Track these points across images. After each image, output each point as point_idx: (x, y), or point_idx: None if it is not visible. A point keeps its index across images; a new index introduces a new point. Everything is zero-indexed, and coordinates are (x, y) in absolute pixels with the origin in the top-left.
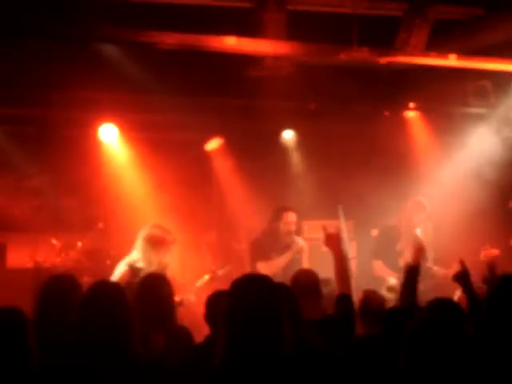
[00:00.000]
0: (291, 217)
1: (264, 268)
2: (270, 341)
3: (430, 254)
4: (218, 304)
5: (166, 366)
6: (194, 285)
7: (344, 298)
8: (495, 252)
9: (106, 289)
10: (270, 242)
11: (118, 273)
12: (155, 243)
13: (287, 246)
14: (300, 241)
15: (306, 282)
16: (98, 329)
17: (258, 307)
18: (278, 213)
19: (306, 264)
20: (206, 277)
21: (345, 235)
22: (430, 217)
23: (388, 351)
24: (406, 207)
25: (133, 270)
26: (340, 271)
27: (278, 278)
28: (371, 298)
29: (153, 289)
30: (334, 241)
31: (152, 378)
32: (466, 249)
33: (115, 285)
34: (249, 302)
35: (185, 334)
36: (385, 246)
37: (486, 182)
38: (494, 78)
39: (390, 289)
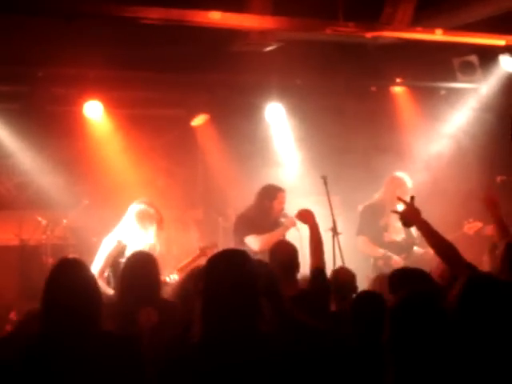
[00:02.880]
0: (284, 196)
1: (254, 242)
2: (246, 316)
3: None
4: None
5: (139, 342)
6: (180, 262)
7: (318, 272)
8: (479, 225)
9: (71, 266)
10: (260, 220)
11: (106, 248)
12: (146, 220)
13: (277, 224)
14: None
15: (283, 256)
16: (63, 306)
17: (233, 282)
18: (272, 192)
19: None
20: (196, 252)
21: (332, 209)
22: (411, 191)
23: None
24: (386, 183)
25: (121, 246)
26: (315, 244)
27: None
28: (340, 275)
29: (140, 265)
30: (307, 215)
31: (122, 354)
32: (452, 223)
33: (79, 261)
34: (225, 277)
35: (175, 308)
36: (368, 221)
37: (473, 156)
38: (481, 52)
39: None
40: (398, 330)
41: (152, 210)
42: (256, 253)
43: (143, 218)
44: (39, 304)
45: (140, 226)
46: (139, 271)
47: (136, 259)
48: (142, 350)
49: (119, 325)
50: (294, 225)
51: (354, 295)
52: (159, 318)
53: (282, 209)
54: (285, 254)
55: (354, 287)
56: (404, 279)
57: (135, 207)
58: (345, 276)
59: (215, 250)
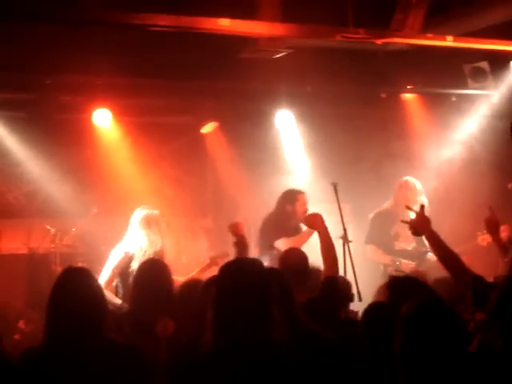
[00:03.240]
0: (306, 198)
1: (284, 245)
2: (258, 325)
3: None
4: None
5: (142, 355)
6: (190, 271)
7: (329, 279)
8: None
9: (77, 275)
10: (284, 224)
11: (114, 258)
12: (151, 225)
13: (299, 229)
14: None
15: (294, 263)
16: (66, 316)
17: (245, 291)
18: (292, 195)
19: None
20: (207, 261)
21: (342, 216)
22: (421, 193)
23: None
24: (398, 188)
25: (128, 256)
26: (326, 250)
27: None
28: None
29: (153, 274)
30: (315, 219)
31: (126, 363)
32: (463, 231)
33: (85, 270)
34: (237, 286)
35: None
36: (378, 230)
37: (484, 163)
38: (492, 59)
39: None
40: (410, 338)
41: (155, 213)
42: None
43: (148, 221)
44: (45, 312)
45: (145, 230)
46: (154, 280)
47: (150, 268)
48: (151, 360)
49: (134, 335)
50: (312, 233)
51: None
52: (176, 327)
53: (306, 211)
54: (295, 260)
55: (350, 296)
56: (401, 288)
57: (138, 214)
58: (340, 285)
59: (226, 260)
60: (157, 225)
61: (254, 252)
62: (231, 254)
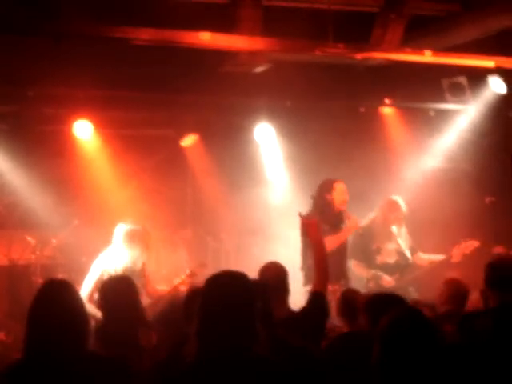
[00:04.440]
0: (343, 186)
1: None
2: (242, 338)
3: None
4: (195, 301)
5: (125, 367)
6: (170, 282)
7: (316, 295)
8: (475, 244)
9: (56, 287)
10: (324, 214)
11: (95, 271)
12: (134, 239)
13: (342, 219)
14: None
15: (272, 277)
16: (46, 329)
17: (230, 304)
18: (328, 184)
19: None
20: (184, 275)
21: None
22: (405, 215)
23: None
24: (381, 206)
25: (109, 269)
26: (319, 263)
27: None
28: (348, 297)
29: (119, 291)
30: (312, 229)
31: (108, 376)
32: (440, 244)
33: (66, 282)
34: (222, 298)
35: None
36: (359, 245)
37: (462, 177)
38: (470, 74)
39: None
40: (387, 351)
41: (139, 228)
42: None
43: (131, 237)
44: (25, 324)
45: (128, 245)
46: (119, 297)
47: (114, 285)
48: (139, 372)
49: (110, 346)
50: (356, 227)
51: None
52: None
53: (345, 199)
54: (274, 275)
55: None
56: (380, 305)
57: (122, 228)
58: (352, 299)
59: (204, 271)
60: (140, 241)
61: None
62: (209, 265)
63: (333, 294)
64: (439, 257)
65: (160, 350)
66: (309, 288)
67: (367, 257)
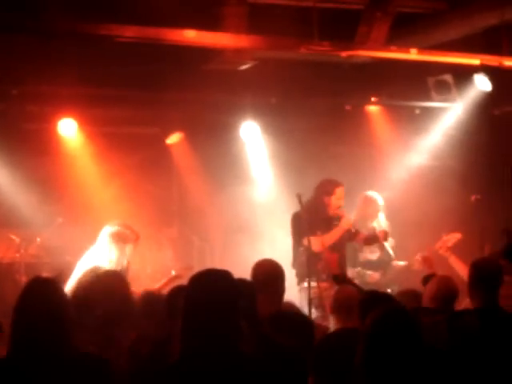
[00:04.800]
0: (342, 192)
1: (313, 242)
2: (225, 336)
3: (389, 244)
4: (178, 298)
5: (109, 365)
6: (155, 282)
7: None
8: (457, 236)
9: (41, 285)
10: (316, 215)
11: (81, 270)
12: (121, 241)
13: (334, 221)
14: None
15: (264, 273)
16: (31, 327)
17: (214, 303)
18: (329, 187)
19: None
20: (172, 273)
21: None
22: (382, 209)
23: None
24: (359, 202)
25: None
26: None
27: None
28: (342, 294)
29: (111, 286)
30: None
31: (92, 373)
32: (426, 242)
33: (52, 280)
34: (206, 297)
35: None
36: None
37: (447, 175)
38: (456, 72)
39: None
40: (371, 352)
41: (127, 231)
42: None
43: (118, 239)
44: (10, 323)
45: (115, 247)
46: (110, 292)
47: (106, 280)
48: (118, 369)
49: (95, 344)
50: (349, 225)
51: None
52: (135, 338)
53: (340, 205)
54: (265, 272)
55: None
56: (372, 303)
57: (109, 229)
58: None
59: (190, 273)
60: (127, 242)
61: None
62: (194, 264)
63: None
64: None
65: (140, 348)
66: (303, 286)
67: (350, 255)
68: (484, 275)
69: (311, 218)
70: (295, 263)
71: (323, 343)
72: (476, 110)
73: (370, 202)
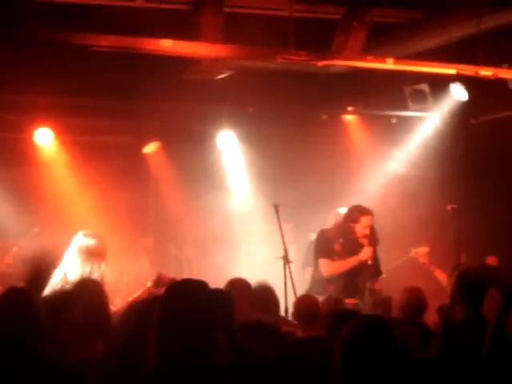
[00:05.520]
0: (368, 220)
1: (324, 266)
2: (201, 347)
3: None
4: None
5: (84, 375)
6: (131, 292)
7: None
8: (425, 249)
9: (16, 295)
10: (340, 240)
11: (54, 279)
12: (90, 254)
13: (356, 249)
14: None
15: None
16: (6, 336)
17: (190, 313)
18: (356, 214)
19: None
20: (148, 284)
21: (283, 237)
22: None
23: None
24: (332, 219)
25: (67, 277)
26: None
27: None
28: (303, 302)
29: (88, 294)
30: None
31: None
32: (402, 250)
33: (26, 291)
34: (181, 308)
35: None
36: (326, 246)
37: (424, 184)
38: (432, 81)
39: (371, 292)
40: (349, 361)
41: (94, 245)
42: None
43: (84, 253)
44: None
45: (81, 261)
46: (86, 300)
47: (82, 288)
48: (92, 380)
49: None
50: (368, 258)
51: None
52: (105, 348)
53: (366, 233)
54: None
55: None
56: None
57: (80, 240)
58: (308, 305)
59: (168, 282)
60: (97, 257)
61: None
62: (171, 273)
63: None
64: None
65: (114, 359)
66: None
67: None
68: (470, 286)
69: (334, 243)
70: (313, 276)
71: (288, 350)
72: (452, 120)
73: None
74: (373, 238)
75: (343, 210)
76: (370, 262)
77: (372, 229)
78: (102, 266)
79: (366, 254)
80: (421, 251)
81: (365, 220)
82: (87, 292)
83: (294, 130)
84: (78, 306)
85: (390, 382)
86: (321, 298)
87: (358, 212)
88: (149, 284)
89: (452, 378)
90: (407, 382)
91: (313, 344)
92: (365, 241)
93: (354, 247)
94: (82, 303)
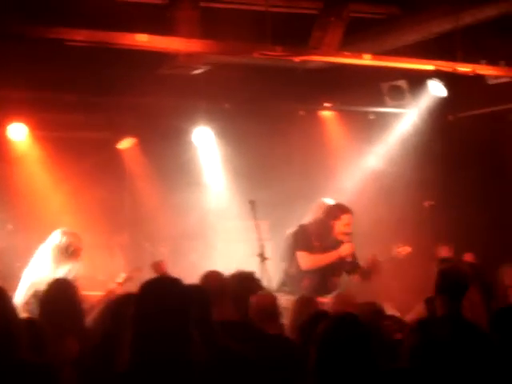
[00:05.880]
0: (349, 218)
1: (303, 260)
2: (177, 345)
3: None
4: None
5: (57, 373)
6: (106, 287)
7: None
8: (407, 249)
9: None
10: (319, 236)
11: (27, 278)
12: (67, 253)
13: (334, 246)
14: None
15: (213, 285)
16: None
17: (165, 311)
18: (335, 212)
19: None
20: (122, 276)
21: (259, 234)
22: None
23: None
24: (315, 209)
25: (43, 278)
26: None
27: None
28: (260, 300)
29: (60, 293)
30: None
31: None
32: (380, 247)
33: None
34: (156, 306)
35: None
36: (305, 240)
37: (402, 180)
38: (410, 77)
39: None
40: (323, 358)
41: (71, 243)
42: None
43: (61, 252)
44: None
45: (57, 259)
46: (59, 299)
47: (54, 287)
48: (65, 379)
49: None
50: (347, 255)
51: None
52: (80, 347)
53: (346, 232)
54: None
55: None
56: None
57: (56, 237)
58: (267, 302)
59: (140, 275)
60: (74, 257)
61: None
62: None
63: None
64: None
65: (88, 358)
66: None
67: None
68: (450, 283)
69: (313, 238)
70: (286, 271)
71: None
72: (430, 116)
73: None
74: (352, 236)
75: (328, 200)
76: (349, 259)
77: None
78: (77, 265)
79: (346, 249)
80: (402, 250)
81: (345, 218)
82: (60, 292)
83: (270, 126)
84: (51, 305)
85: (365, 380)
86: (292, 298)
87: (338, 210)
88: (123, 276)
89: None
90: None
91: (273, 342)
92: (345, 238)
93: (332, 244)
94: (55, 303)
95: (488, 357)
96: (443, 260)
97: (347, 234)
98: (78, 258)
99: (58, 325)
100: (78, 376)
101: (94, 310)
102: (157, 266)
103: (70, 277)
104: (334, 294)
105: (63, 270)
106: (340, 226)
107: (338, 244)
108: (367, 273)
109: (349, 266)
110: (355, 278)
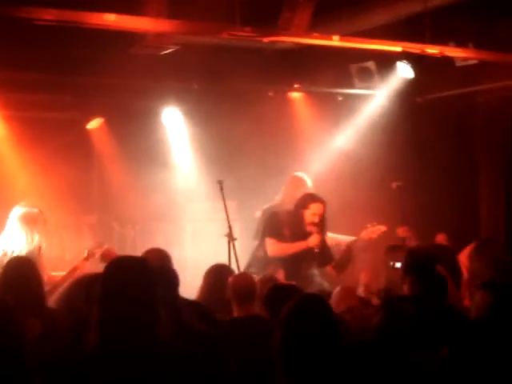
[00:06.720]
0: (318, 208)
1: (271, 247)
2: (144, 325)
3: None
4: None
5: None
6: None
7: None
8: (382, 228)
9: None
10: (289, 224)
11: None
12: (28, 222)
13: (304, 236)
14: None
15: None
16: None
17: (131, 290)
18: (306, 201)
19: None
20: (86, 252)
21: (227, 214)
22: (311, 190)
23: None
24: (286, 185)
25: (6, 254)
26: None
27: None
28: (238, 281)
29: (21, 272)
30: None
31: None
32: (350, 229)
33: None
34: (123, 285)
35: (60, 317)
36: (274, 226)
37: (368, 162)
38: (378, 59)
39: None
40: (288, 340)
41: (35, 211)
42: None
43: (26, 220)
44: None
45: (23, 229)
46: (19, 279)
47: (15, 266)
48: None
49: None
50: (315, 246)
51: None
52: (43, 328)
53: (315, 221)
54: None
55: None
56: (279, 297)
57: (17, 211)
58: (243, 283)
59: (102, 250)
60: (35, 223)
61: None
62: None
63: None
64: (346, 238)
65: (55, 337)
66: None
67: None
68: (418, 263)
69: (285, 224)
70: (253, 253)
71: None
72: (399, 98)
73: (298, 182)
74: (322, 227)
75: (301, 174)
76: (316, 250)
77: (322, 218)
78: (37, 236)
79: (313, 240)
80: (377, 230)
81: (314, 207)
82: (18, 270)
83: (239, 106)
84: (8, 285)
85: (330, 362)
86: (257, 278)
87: (308, 198)
88: (85, 253)
89: (389, 358)
90: (346, 362)
91: (250, 323)
92: (313, 229)
93: (302, 234)
94: (12, 282)
95: (448, 333)
96: (393, 247)
97: (315, 223)
98: (37, 226)
99: (17, 305)
100: (40, 357)
101: (58, 289)
102: (105, 255)
103: (33, 246)
104: (338, 288)
105: (25, 239)
106: (309, 215)
107: (307, 235)
108: (340, 266)
109: (319, 257)
110: (329, 271)
